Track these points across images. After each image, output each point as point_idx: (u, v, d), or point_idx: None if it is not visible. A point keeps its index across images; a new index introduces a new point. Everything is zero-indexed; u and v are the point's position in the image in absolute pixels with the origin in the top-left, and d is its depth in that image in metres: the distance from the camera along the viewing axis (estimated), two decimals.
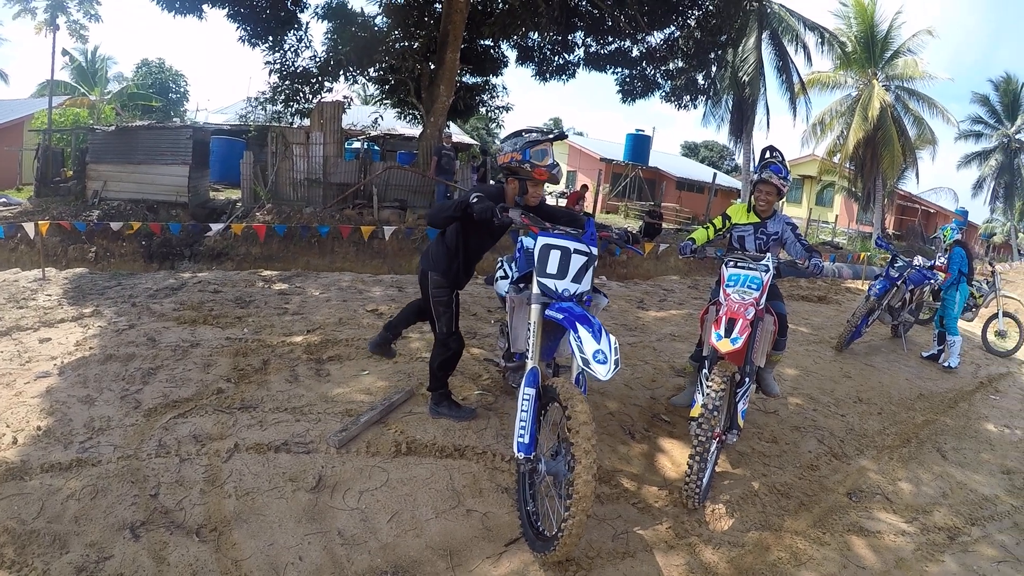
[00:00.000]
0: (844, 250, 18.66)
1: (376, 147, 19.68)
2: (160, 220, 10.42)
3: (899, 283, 6.84)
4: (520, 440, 2.50)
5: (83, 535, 2.43)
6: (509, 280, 3.41)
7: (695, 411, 3.16)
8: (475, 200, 2.89)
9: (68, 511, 2.55)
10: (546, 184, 3.26)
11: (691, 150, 50.18)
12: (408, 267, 11.67)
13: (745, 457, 3.70)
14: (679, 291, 9.51)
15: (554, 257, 2.77)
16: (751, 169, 22.92)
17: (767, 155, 3.88)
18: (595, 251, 2.90)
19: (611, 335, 2.49)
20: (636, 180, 26.21)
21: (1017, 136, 31.46)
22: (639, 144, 25.86)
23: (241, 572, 2.30)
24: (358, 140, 19.07)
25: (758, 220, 3.95)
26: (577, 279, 2.78)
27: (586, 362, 2.40)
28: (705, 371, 3.34)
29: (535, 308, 2.75)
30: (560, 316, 2.61)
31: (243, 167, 12.37)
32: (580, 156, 28.21)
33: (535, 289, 2.76)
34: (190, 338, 4.76)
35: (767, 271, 3.38)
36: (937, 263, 6.96)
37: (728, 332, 3.10)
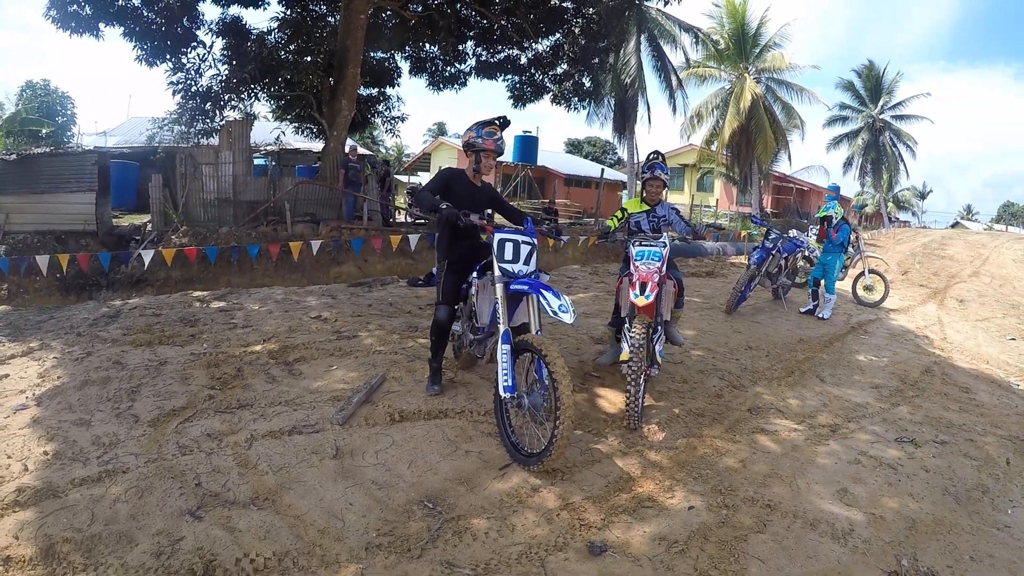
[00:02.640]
0: (726, 230, 20.69)
1: (274, 163, 19.42)
2: (70, 251, 9.97)
3: (774, 252, 8.19)
4: (504, 383, 3.22)
5: (146, 528, 2.62)
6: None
7: (624, 356, 4.07)
8: (444, 207, 3.67)
9: (120, 512, 2.72)
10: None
11: (575, 147, 52.47)
12: (326, 278, 11.80)
13: (664, 394, 4.63)
14: (582, 278, 10.52)
15: (509, 247, 3.60)
16: (636, 162, 24.72)
17: (652, 157, 4.97)
18: (535, 241, 3.73)
19: (565, 295, 3.30)
20: (527, 180, 27.05)
21: (881, 116, 35.58)
22: (527, 145, 26.40)
23: (306, 523, 2.70)
24: (260, 157, 18.77)
25: (649, 208, 5.02)
26: (527, 262, 3.62)
27: (555, 314, 3.18)
28: (627, 325, 4.23)
29: (500, 286, 3.53)
30: (526, 287, 3.41)
31: (152, 190, 11.91)
32: None
33: (497, 272, 3.54)
34: (155, 358, 4.93)
35: (664, 246, 4.38)
36: (833, 228, 8.32)
37: (642, 291, 4.07)
